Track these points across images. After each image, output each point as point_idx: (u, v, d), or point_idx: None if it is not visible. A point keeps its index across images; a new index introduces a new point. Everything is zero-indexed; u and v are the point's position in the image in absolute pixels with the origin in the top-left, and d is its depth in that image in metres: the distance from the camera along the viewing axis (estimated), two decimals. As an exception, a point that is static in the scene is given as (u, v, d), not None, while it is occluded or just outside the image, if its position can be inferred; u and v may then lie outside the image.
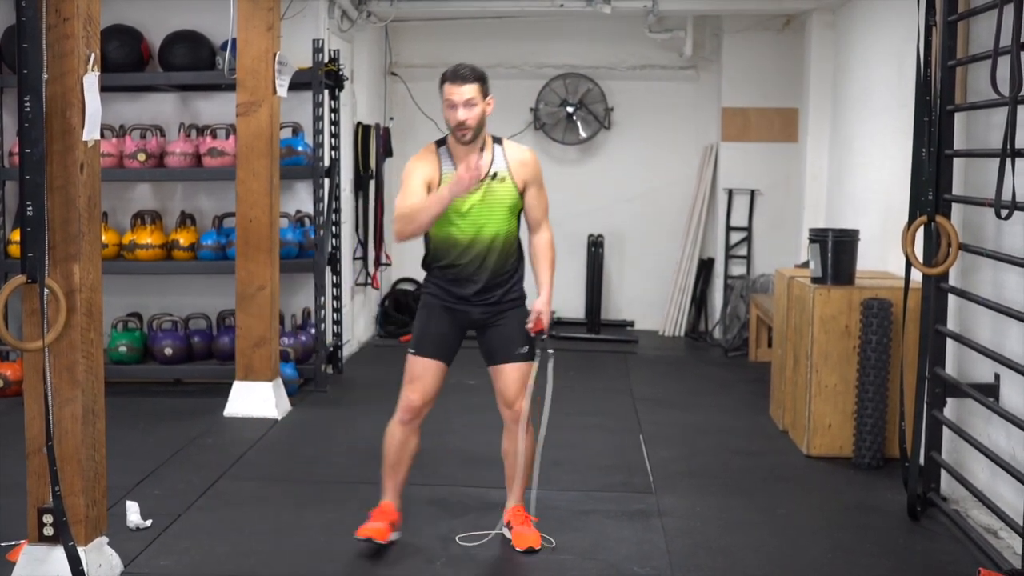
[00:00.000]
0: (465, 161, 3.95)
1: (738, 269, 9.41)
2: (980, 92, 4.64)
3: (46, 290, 3.64)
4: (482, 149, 4.17)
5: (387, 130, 9.35)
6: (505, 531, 4.43)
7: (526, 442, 4.33)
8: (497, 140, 4.26)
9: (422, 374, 4.27)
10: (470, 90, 4.05)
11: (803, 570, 4.22)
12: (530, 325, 4.21)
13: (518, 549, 4.29)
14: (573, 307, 9.68)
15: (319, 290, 7.23)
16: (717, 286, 9.50)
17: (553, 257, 4.31)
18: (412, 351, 4.28)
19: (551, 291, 4.27)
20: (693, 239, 9.59)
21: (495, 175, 4.15)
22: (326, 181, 7.41)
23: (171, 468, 5.42)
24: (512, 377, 4.26)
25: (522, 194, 4.23)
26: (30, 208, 3.60)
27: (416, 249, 10.40)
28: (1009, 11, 3.96)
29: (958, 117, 4.82)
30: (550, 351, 4.26)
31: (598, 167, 9.70)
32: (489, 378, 4.36)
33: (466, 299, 4.22)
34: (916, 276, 4.94)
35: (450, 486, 5.11)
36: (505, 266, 4.24)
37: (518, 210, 4.26)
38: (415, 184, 4.10)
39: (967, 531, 4.48)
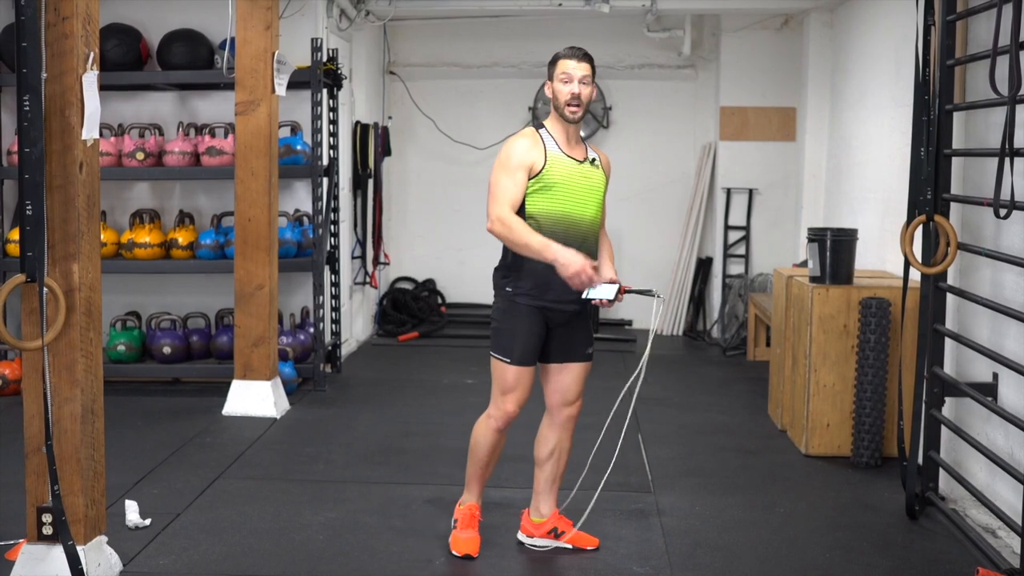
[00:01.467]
0: (581, 271, 3.89)
1: (736, 268, 9.42)
2: (979, 91, 4.64)
3: (45, 289, 3.64)
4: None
5: (385, 129, 9.35)
6: (538, 541, 4.38)
7: (571, 443, 4.35)
8: (581, 137, 4.29)
9: (516, 384, 4.15)
10: (586, 68, 4.10)
11: (801, 569, 4.22)
12: (612, 280, 4.08)
13: (590, 548, 4.31)
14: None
15: (318, 289, 7.23)
16: (715, 285, 9.51)
17: (613, 253, 4.34)
18: (506, 360, 4.14)
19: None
20: (691, 238, 9.60)
21: (594, 160, 4.19)
22: (325, 180, 7.41)
23: (170, 467, 5.42)
24: (580, 376, 4.26)
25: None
26: (29, 207, 3.60)
27: (418, 247, 10.42)
28: (1008, 10, 3.96)
29: (957, 116, 4.82)
30: (658, 294, 4.21)
31: (596, 166, 9.71)
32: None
33: (566, 294, 4.08)
34: (915, 275, 4.95)
35: (448, 485, 5.11)
36: (594, 257, 4.17)
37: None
38: (519, 175, 4.04)
39: (965, 530, 4.48)
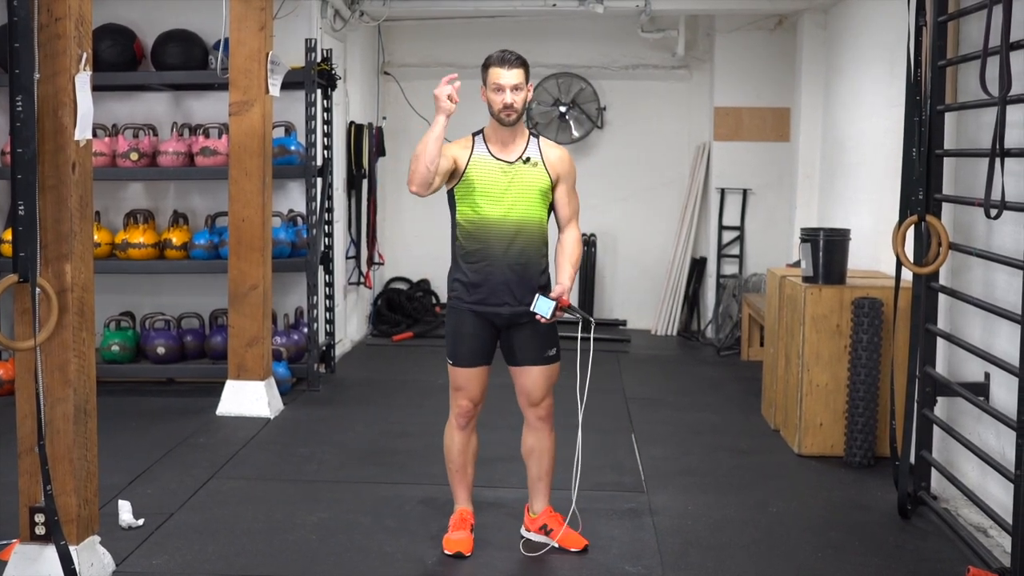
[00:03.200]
0: (439, 93, 3.98)
1: (730, 268, 9.43)
2: (970, 92, 4.66)
3: (38, 289, 3.64)
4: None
5: (380, 129, 9.36)
6: (532, 536, 4.42)
7: (550, 442, 4.36)
8: (535, 135, 4.32)
9: (465, 383, 4.25)
10: (518, 75, 4.12)
11: (794, 568, 4.23)
12: (553, 295, 4.06)
13: (574, 551, 4.30)
14: (566, 306, 9.67)
15: (312, 289, 7.23)
16: (709, 285, 9.52)
17: (579, 253, 4.27)
18: (449, 361, 4.26)
19: (573, 278, 4.20)
20: (685, 238, 9.61)
21: (528, 159, 4.20)
22: (319, 180, 7.41)
23: (163, 467, 5.42)
24: (540, 379, 4.26)
25: (554, 186, 4.24)
26: (22, 207, 3.60)
27: (412, 248, 10.43)
28: (998, 11, 3.97)
29: (948, 117, 4.84)
30: (590, 318, 4.19)
31: (591, 166, 9.69)
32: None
33: (495, 298, 4.14)
34: (907, 275, 4.96)
35: (442, 486, 5.10)
36: (532, 259, 4.17)
37: (549, 201, 4.24)
38: (443, 154, 4.11)
39: (957, 530, 4.49)
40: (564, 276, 4.17)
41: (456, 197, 4.19)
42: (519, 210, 4.16)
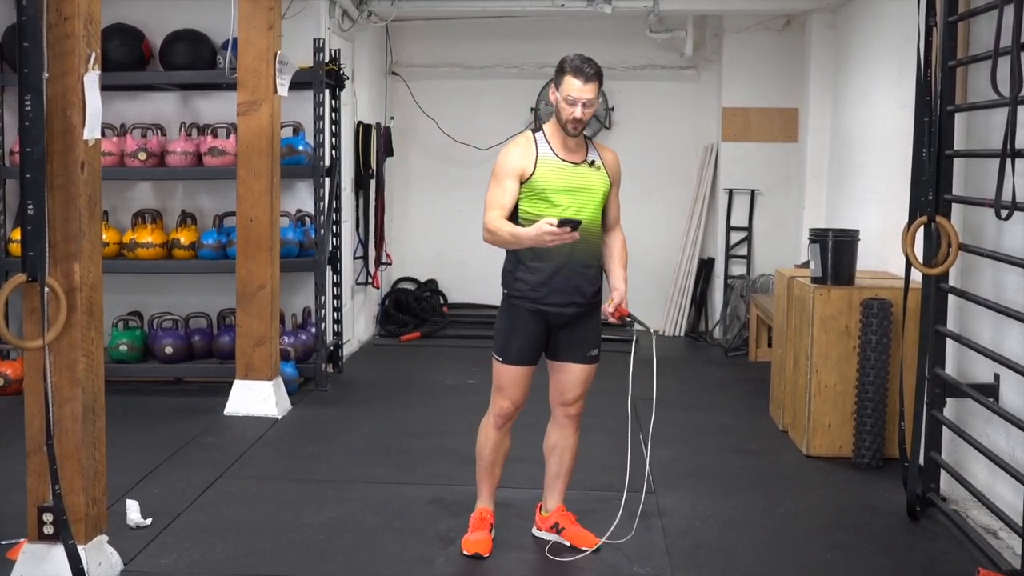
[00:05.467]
0: (544, 230, 3.84)
1: (738, 269, 9.42)
2: (980, 92, 4.64)
3: (46, 289, 3.65)
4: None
5: (388, 129, 9.36)
6: (544, 535, 4.42)
7: (575, 441, 4.36)
8: (587, 136, 4.26)
9: (510, 383, 4.18)
10: (592, 89, 4.02)
11: (802, 570, 4.22)
12: (611, 309, 4.10)
13: (585, 550, 4.27)
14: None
15: (319, 289, 7.24)
16: (717, 286, 9.51)
17: (627, 256, 4.30)
18: (499, 359, 4.19)
19: (627, 280, 4.23)
20: (693, 239, 9.59)
21: (592, 162, 4.15)
22: (327, 180, 7.42)
23: (171, 467, 5.42)
24: (580, 378, 4.25)
25: (609, 189, 4.21)
26: (31, 207, 3.61)
27: (420, 248, 10.42)
28: (1009, 11, 3.96)
29: (958, 117, 4.82)
30: (651, 329, 4.19)
31: (599, 167, 9.71)
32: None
33: (563, 297, 4.11)
34: (916, 276, 4.94)
35: (449, 486, 5.11)
36: (596, 259, 4.18)
37: (604, 206, 4.21)
38: (508, 184, 4.05)
39: (966, 531, 4.48)
40: (619, 280, 4.20)
41: (521, 196, 4.09)
42: (587, 212, 4.11)
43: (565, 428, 4.34)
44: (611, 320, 4.13)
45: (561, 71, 4.04)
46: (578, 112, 4.02)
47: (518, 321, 4.15)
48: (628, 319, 4.12)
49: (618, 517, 4.30)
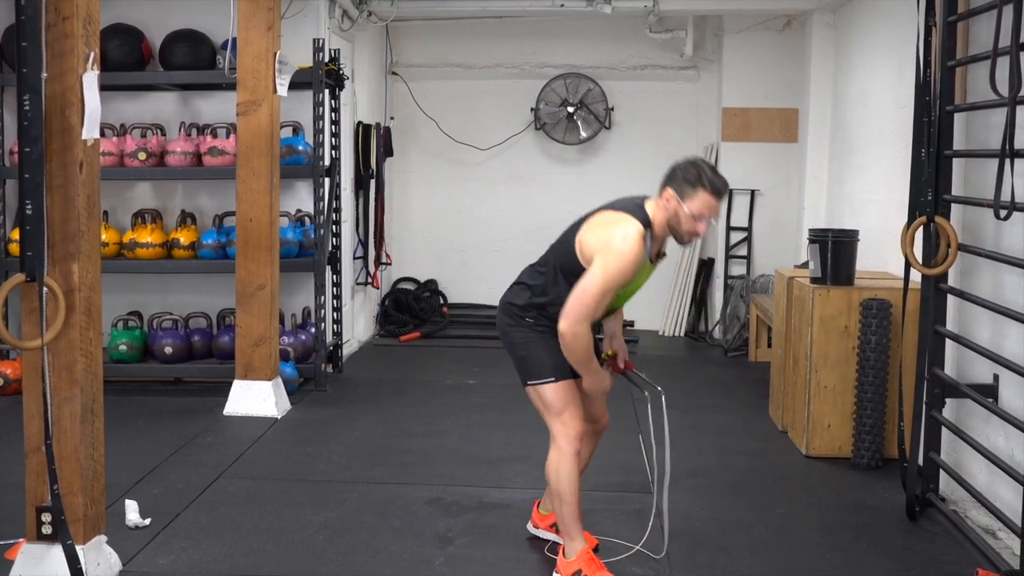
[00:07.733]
0: (606, 386, 4.00)
1: (738, 269, 9.42)
2: (979, 93, 4.64)
3: (45, 289, 3.65)
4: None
5: (388, 129, 9.36)
6: (540, 532, 4.43)
7: (591, 450, 4.34)
8: None
9: (569, 399, 3.97)
10: (723, 205, 3.92)
11: (802, 570, 4.22)
12: (620, 365, 4.21)
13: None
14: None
15: (319, 289, 7.24)
16: (717, 286, 9.51)
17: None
18: (551, 379, 3.93)
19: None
20: (693, 239, 9.58)
21: (662, 255, 3.99)
22: (326, 180, 7.42)
23: (170, 467, 5.42)
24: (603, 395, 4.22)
25: None
26: (29, 207, 3.61)
27: (420, 248, 10.40)
28: (1008, 12, 3.96)
29: (957, 118, 4.82)
30: (659, 388, 4.14)
31: (598, 167, 9.71)
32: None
33: None
34: (915, 277, 4.94)
35: (448, 486, 5.11)
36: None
37: None
38: (618, 285, 3.80)
39: (965, 532, 4.48)
40: (620, 341, 4.25)
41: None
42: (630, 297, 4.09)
43: (589, 444, 4.27)
44: (614, 373, 4.17)
45: (695, 185, 3.70)
46: (703, 228, 3.76)
47: (550, 340, 3.93)
48: (633, 375, 4.21)
49: (647, 533, 4.28)
